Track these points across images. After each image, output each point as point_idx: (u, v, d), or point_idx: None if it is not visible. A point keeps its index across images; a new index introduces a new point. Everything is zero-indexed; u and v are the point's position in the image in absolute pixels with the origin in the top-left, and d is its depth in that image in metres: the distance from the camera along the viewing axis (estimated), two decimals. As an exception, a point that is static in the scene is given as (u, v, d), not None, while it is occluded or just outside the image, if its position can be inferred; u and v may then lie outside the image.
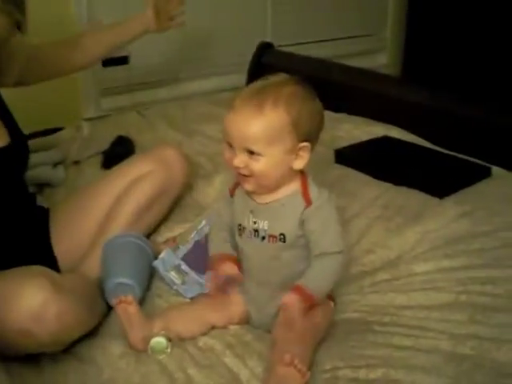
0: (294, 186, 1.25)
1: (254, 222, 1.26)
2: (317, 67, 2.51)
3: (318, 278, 1.23)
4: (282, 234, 1.24)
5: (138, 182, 1.57)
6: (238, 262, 1.30)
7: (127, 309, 1.26)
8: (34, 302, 1.13)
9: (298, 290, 1.20)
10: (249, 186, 1.24)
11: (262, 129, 1.17)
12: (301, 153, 1.22)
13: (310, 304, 1.21)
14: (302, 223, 1.23)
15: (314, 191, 1.25)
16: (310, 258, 1.24)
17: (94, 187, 1.64)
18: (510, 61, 2.86)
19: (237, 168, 1.21)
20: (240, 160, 1.20)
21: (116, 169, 1.68)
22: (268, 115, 1.17)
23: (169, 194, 1.64)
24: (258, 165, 1.20)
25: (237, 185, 1.31)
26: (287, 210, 1.24)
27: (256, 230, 1.26)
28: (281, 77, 1.25)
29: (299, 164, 1.23)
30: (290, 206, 1.24)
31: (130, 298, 1.26)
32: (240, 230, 1.29)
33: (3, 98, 1.55)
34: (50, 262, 1.50)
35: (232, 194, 1.33)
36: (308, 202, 1.23)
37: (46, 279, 1.18)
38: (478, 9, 2.95)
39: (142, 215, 1.56)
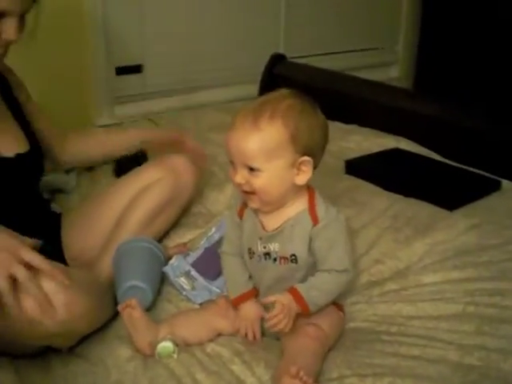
0: (302, 205, 1.25)
1: (264, 247, 1.26)
2: (328, 79, 2.52)
3: (317, 290, 1.23)
4: (293, 255, 1.24)
5: (147, 189, 1.59)
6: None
7: (132, 313, 1.26)
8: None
9: (294, 292, 1.21)
10: (253, 204, 1.24)
11: (259, 144, 1.17)
12: (303, 167, 1.21)
13: (301, 310, 1.22)
14: (310, 241, 1.23)
15: (321, 209, 1.24)
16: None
17: (105, 194, 1.67)
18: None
19: (239, 185, 1.22)
20: (241, 176, 1.20)
21: (126, 177, 1.70)
22: (264, 130, 1.17)
23: (177, 202, 1.65)
24: (259, 181, 1.19)
25: (244, 206, 1.31)
26: (296, 230, 1.24)
27: (267, 254, 1.26)
28: (281, 91, 1.25)
29: (302, 179, 1.22)
30: (298, 226, 1.24)
31: (134, 301, 1.26)
32: (250, 253, 1.29)
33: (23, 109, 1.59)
34: None
35: (241, 217, 1.32)
36: (315, 221, 1.23)
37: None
38: (490, 23, 2.96)
39: (150, 223, 1.58)
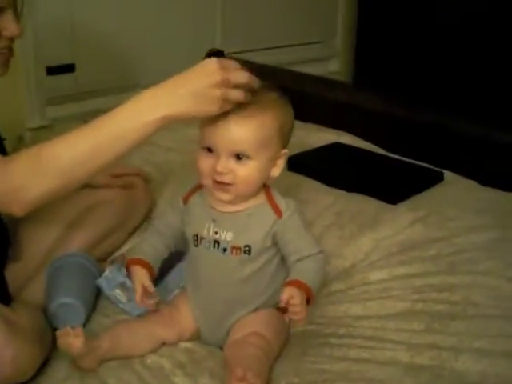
0: (259, 198, 1.22)
1: (216, 233, 1.20)
2: (267, 74, 2.47)
3: (307, 275, 1.17)
4: (247, 246, 1.19)
5: (96, 209, 1.50)
6: (153, 270, 1.26)
7: (70, 343, 1.15)
8: None
9: (295, 283, 1.14)
10: (227, 196, 1.17)
11: (254, 131, 1.14)
12: (278, 160, 1.21)
13: (308, 298, 1.15)
14: (273, 235, 1.19)
15: (281, 202, 1.22)
16: (288, 265, 1.21)
17: (51, 208, 1.46)
18: (461, 66, 2.87)
19: (219, 175, 1.15)
20: (224, 165, 1.14)
21: (78, 190, 1.58)
22: (258, 118, 1.14)
23: (127, 228, 1.58)
24: (244, 170, 1.15)
25: (192, 192, 1.26)
26: (254, 220, 1.20)
27: (217, 241, 1.20)
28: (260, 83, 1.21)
29: (276, 172, 1.21)
30: (257, 216, 1.20)
31: (79, 330, 1.16)
32: (196, 240, 1.22)
33: None
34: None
35: (186, 202, 1.26)
36: (279, 214, 1.20)
37: (1, 321, 1.10)
38: (428, 15, 2.96)
39: (95, 246, 1.49)
